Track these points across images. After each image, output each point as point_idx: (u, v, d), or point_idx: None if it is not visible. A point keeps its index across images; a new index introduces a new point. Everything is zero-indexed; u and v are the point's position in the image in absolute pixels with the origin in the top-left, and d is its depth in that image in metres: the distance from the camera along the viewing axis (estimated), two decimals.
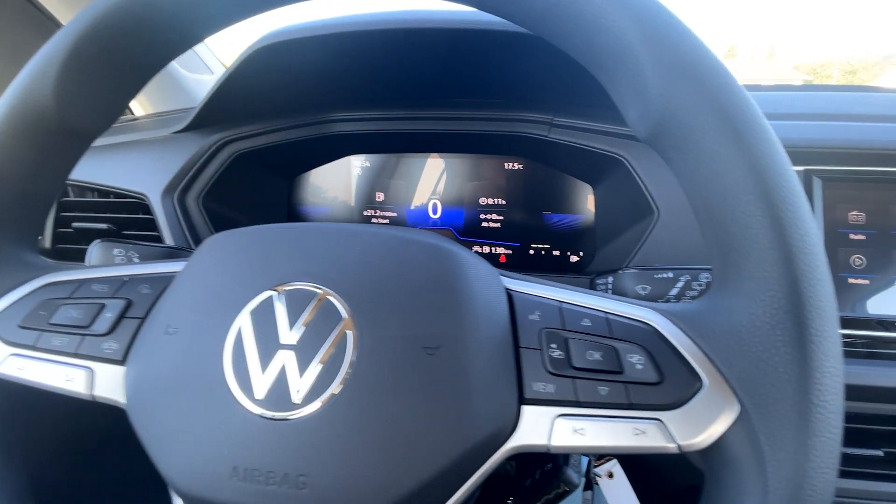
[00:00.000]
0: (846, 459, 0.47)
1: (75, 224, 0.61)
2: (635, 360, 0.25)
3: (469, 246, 0.69)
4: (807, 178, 0.47)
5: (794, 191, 0.23)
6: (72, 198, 0.63)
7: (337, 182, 0.70)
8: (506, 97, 0.58)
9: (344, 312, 0.26)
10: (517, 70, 0.53)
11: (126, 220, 0.60)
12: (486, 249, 0.69)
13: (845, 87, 0.59)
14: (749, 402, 0.23)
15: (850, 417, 0.47)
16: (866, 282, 0.46)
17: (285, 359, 0.26)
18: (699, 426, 0.24)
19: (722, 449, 0.24)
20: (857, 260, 0.47)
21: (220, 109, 0.58)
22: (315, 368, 0.25)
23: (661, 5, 0.25)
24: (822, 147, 0.46)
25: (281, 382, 0.25)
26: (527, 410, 0.26)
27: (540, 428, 0.26)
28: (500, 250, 0.68)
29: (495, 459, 0.26)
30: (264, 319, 0.26)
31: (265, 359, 0.26)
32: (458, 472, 0.25)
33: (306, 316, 0.26)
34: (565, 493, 0.44)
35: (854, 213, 0.47)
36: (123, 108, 0.35)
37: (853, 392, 0.45)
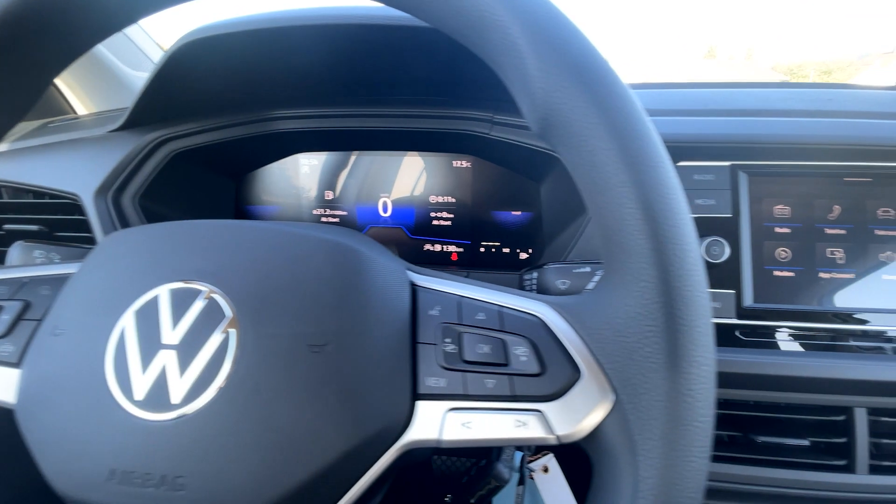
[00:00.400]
0: (767, 449, 0.48)
1: (7, 226, 0.59)
2: (520, 353, 0.25)
3: (420, 244, 0.68)
4: (733, 174, 0.48)
5: (668, 184, 0.23)
6: (4, 199, 0.61)
7: (285, 181, 0.70)
8: (447, 95, 0.58)
9: (228, 311, 0.26)
10: (455, 68, 0.52)
11: (58, 221, 0.58)
12: (438, 248, 0.68)
13: (784, 83, 0.60)
14: (623, 391, 0.23)
15: (766, 407, 0.48)
16: (791, 274, 0.47)
17: (166, 359, 0.25)
18: (577, 417, 0.24)
19: (599, 439, 0.24)
20: (783, 253, 0.48)
21: (156, 107, 0.57)
22: (196, 368, 0.25)
23: (545, 1, 0.25)
24: (747, 142, 0.47)
25: (161, 383, 0.25)
26: (421, 406, 0.26)
27: (432, 423, 0.26)
28: (452, 248, 0.68)
29: (389, 456, 0.26)
30: (148, 319, 0.26)
31: (146, 359, 0.25)
32: (346, 470, 0.25)
33: (190, 315, 0.26)
34: (497, 489, 0.44)
35: (779, 206, 0.48)
36: (27, 108, 0.34)
37: (772, 382, 0.46)
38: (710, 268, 0.47)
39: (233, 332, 0.25)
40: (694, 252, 0.23)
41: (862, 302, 0.47)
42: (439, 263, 0.69)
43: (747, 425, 0.49)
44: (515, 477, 0.46)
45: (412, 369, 0.26)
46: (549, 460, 0.48)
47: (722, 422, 0.50)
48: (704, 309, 0.22)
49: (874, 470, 0.47)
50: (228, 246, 0.28)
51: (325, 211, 0.69)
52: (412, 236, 0.69)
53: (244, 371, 0.24)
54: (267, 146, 0.65)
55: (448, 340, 0.27)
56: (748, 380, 0.47)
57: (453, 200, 0.66)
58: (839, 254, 0.47)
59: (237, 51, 0.49)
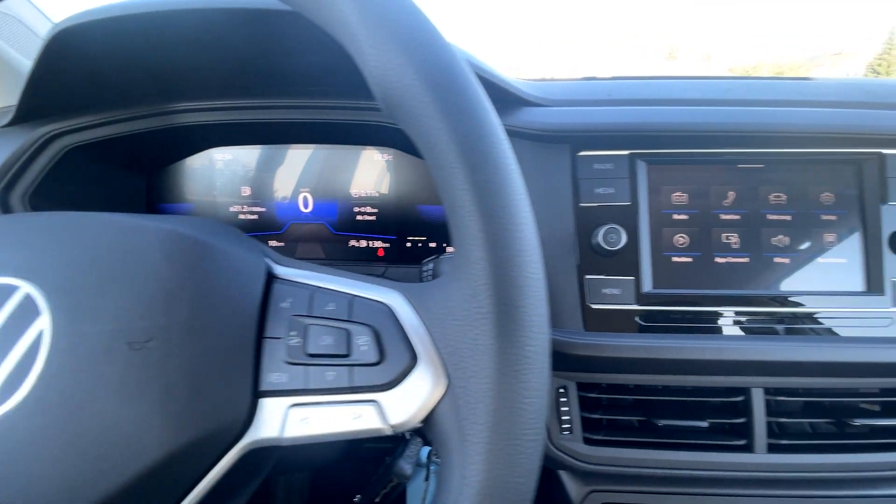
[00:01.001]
0: (671, 432, 0.49)
1: None
2: (361, 342, 0.24)
3: (345, 241, 0.67)
4: (631, 162, 0.48)
5: (499, 165, 0.22)
6: None
7: (199, 177, 0.67)
8: (355, 86, 0.57)
9: (43, 308, 0.24)
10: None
11: None
12: (363, 243, 0.67)
13: (691, 77, 0.62)
14: (455, 376, 0.22)
15: (668, 391, 0.49)
16: (689, 259, 0.48)
17: None
18: (412, 405, 0.23)
19: (434, 427, 0.23)
20: (681, 239, 0.48)
21: (45, 99, 0.53)
22: (5, 369, 0.23)
23: None
24: (644, 131, 0.48)
25: None
26: (263, 403, 0.25)
27: (274, 420, 0.24)
28: (378, 244, 0.67)
29: (231, 457, 0.24)
30: None
31: None
32: (176, 472, 0.23)
33: (1, 313, 0.24)
34: (399, 485, 0.43)
35: (677, 194, 0.49)
36: None
37: (673, 366, 0.47)
38: (609, 255, 0.47)
39: (46, 329, 0.23)
40: (525, 233, 0.22)
41: (755, 285, 0.48)
42: (365, 260, 0.67)
43: (650, 409, 0.50)
44: (422, 472, 0.46)
45: (255, 365, 0.25)
46: None
47: (624, 407, 0.51)
48: (534, 290, 0.22)
49: (772, 449, 0.48)
50: (49, 240, 0.26)
51: (243, 208, 0.66)
52: (336, 232, 0.67)
53: (56, 371, 0.23)
54: (175, 140, 0.62)
55: (294, 333, 0.25)
56: (649, 364, 0.47)
57: (377, 195, 0.65)
58: (734, 238, 0.48)
59: (126, 38, 0.46)
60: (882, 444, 0.48)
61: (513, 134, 0.50)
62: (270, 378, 0.25)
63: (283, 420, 0.24)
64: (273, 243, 0.68)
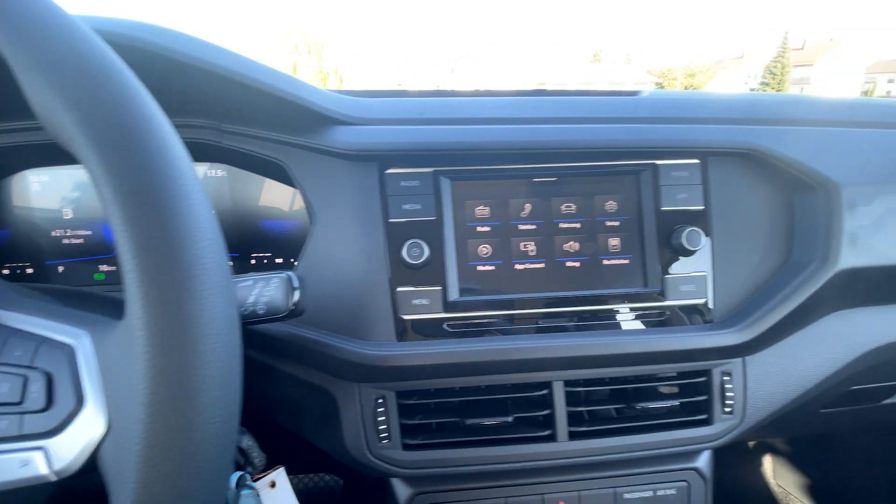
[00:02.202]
0: (483, 429, 0.52)
1: None
2: (34, 388, 0.24)
3: None
4: (435, 179, 0.51)
5: (154, 188, 0.23)
6: None
7: (17, 201, 0.62)
8: (172, 104, 0.55)
9: None
10: (172, 79, 0.50)
11: None
12: None
13: (501, 92, 0.66)
14: (115, 417, 0.23)
15: (484, 390, 0.52)
16: (492, 268, 0.52)
17: None
18: (74, 448, 0.23)
19: (101, 469, 0.23)
20: (484, 249, 0.52)
21: None
22: None
23: (35, 4, 0.23)
24: (447, 149, 0.51)
25: None
26: None
27: None
28: None
29: None
30: None
31: None
32: None
33: None
34: None
35: (480, 207, 0.52)
36: None
37: (482, 367, 0.50)
38: (416, 268, 0.50)
39: None
40: (178, 263, 0.22)
41: (551, 287, 0.52)
42: None
43: (465, 410, 0.53)
44: (234, 494, 0.45)
45: None
46: (278, 475, 0.48)
47: (442, 410, 0.54)
48: (192, 332, 0.22)
49: (573, 436, 0.53)
50: None
51: (66, 231, 0.62)
52: None
53: None
54: None
55: None
56: (460, 368, 0.50)
57: (213, 212, 0.64)
58: (531, 246, 0.53)
59: None
60: (662, 424, 0.55)
61: (323, 153, 0.51)
62: None
63: None
64: (104, 268, 0.64)
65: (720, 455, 0.60)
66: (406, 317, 0.50)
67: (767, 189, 0.54)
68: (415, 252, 0.49)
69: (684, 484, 0.57)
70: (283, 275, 0.38)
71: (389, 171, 0.51)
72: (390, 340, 0.50)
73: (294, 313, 0.37)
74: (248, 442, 0.47)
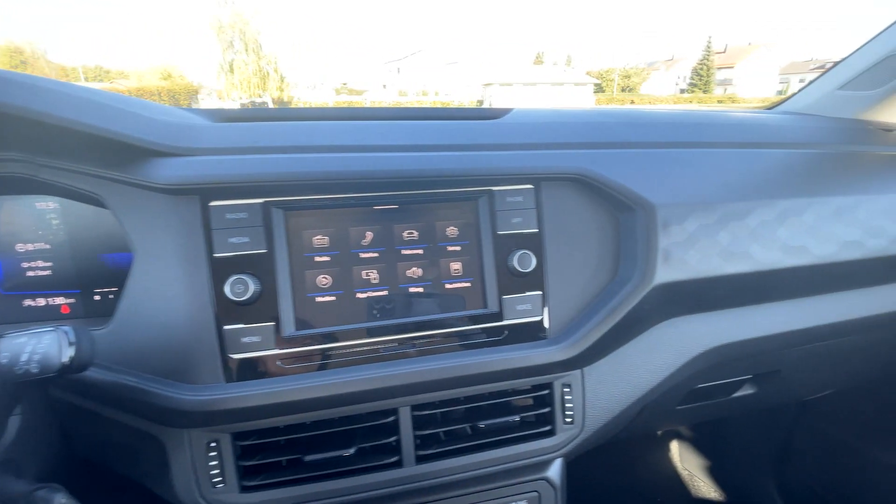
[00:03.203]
0: (326, 463, 0.52)
1: None
2: None
3: (18, 301, 0.60)
4: (265, 210, 0.50)
5: None
6: None
7: None
8: None
9: None
10: None
11: None
12: (42, 301, 0.60)
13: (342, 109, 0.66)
14: None
15: (327, 423, 0.52)
16: (333, 298, 0.52)
17: None
18: None
19: None
20: (324, 280, 0.52)
21: None
22: None
23: None
24: (280, 180, 0.50)
25: None
26: None
27: None
28: (60, 300, 0.61)
29: None
30: None
31: None
32: None
33: None
34: None
35: (318, 237, 0.52)
36: None
37: (325, 401, 0.49)
38: (245, 304, 0.49)
39: None
40: None
41: (395, 314, 0.53)
42: (50, 319, 0.61)
43: (307, 446, 0.52)
44: None
45: None
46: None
47: (279, 447, 0.53)
48: None
49: (420, 459, 0.54)
50: None
51: None
52: (5, 292, 0.60)
53: None
54: None
55: None
56: (298, 405, 0.50)
57: (48, 247, 0.59)
58: (373, 274, 0.53)
59: None
60: (510, 439, 0.57)
61: (138, 187, 0.48)
62: None
63: None
64: None
65: (631, 449, 0.63)
66: (235, 356, 0.49)
67: (596, 210, 0.58)
68: (238, 289, 0.47)
69: (535, 494, 0.60)
70: (59, 329, 0.36)
71: (214, 203, 0.49)
72: (218, 382, 0.48)
73: (71, 369, 0.35)
74: (61, 500, 0.44)
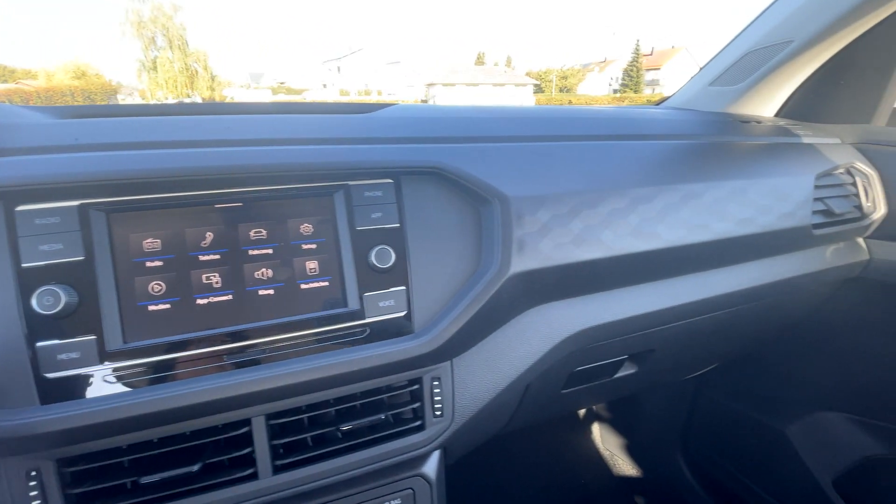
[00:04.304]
0: (168, 483, 0.48)
1: None
2: None
3: None
4: (83, 213, 0.45)
5: None
6: None
7: None
8: None
9: None
10: None
11: None
12: None
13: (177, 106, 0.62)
14: None
15: (170, 440, 0.48)
16: (168, 306, 0.48)
17: None
18: None
19: None
20: (156, 286, 0.47)
21: None
22: None
23: None
24: (94, 179, 0.45)
25: None
26: None
27: None
28: None
29: None
30: None
31: None
32: None
33: None
34: None
35: (149, 241, 0.48)
36: None
37: (165, 416, 0.45)
38: (60, 317, 0.44)
39: None
40: None
41: (243, 319, 0.50)
42: None
43: (148, 466, 0.48)
44: None
45: None
46: None
47: (107, 473, 0.48)
48: None
49: (278, 469, 0.51)
50: None
51: None
52: None
53: None
54: None
55: None
56: (130, 423, 0.45)
57: None
58: (215, 278, 0.49)
59: None
60: (378, 438, 0.55)
61: None
62: None
63: None
64: None
65: (556, 433, 0.63)
66: (51, 375, 0.44)
67: (459, 204, 0.58)
68: (47, 301, 0.42)
69: (409, 492, 0.59)
70: None
71: (20, 208, 0.44)
72: (33, 405, 0.43)
73: None
74: None
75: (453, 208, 0.57)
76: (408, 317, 0.55)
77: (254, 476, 0.50)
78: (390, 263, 0.53)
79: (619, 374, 0.82)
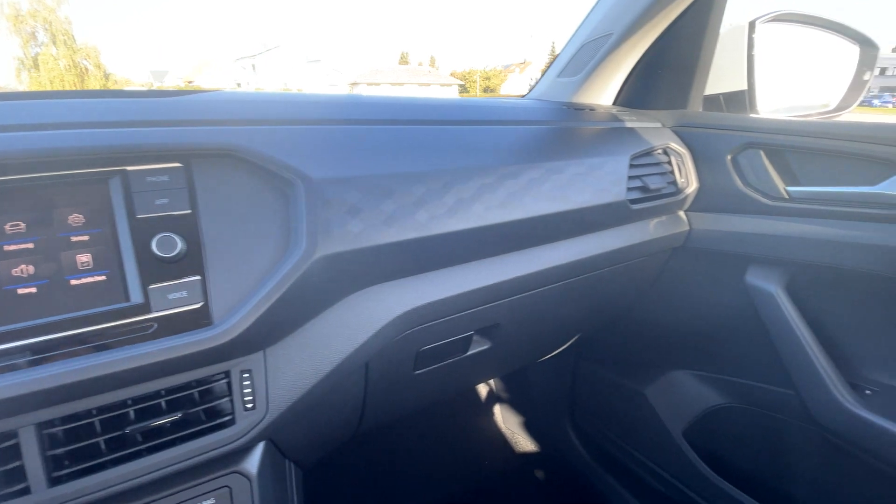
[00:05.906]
0: None
1: None
2: None
3: None
4: None
5: None
6: None
7: None
8: None
9: None
10: None
11: None
12: None
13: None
14: None
15: None
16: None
17: None
18: None
19: None
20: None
21: None
22: None
23: None
24: None
25: None
26: None
27: None
28: None
29: None
30: None
31: None
32: None
33: None
34: None
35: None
36: None
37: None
38: None
39: None
40: None
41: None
42: None
43: None
44: None
45: None
46: None
47: None
48: None
49: (56, 481, 0.47)
50: None
51: None
52: None
53: None
54: None
55: None
56: None
57: None
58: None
59: None
60: (182, 437, 0.53)
61: None
62: None
63: None
64: None
65: (458, 415, 0.61)
66: None
67: (264, 187, 0.56)
68: None
69: (226, 490, 0.57)
70: None
71: None
72: None
73: None
74: None
75: (258, 193, 0.56)
76: (205, 308, 0.52)
77: (26, 490, 0.45)
78: (176, 252, 0.50)
79: (473, 350, 0.85)
